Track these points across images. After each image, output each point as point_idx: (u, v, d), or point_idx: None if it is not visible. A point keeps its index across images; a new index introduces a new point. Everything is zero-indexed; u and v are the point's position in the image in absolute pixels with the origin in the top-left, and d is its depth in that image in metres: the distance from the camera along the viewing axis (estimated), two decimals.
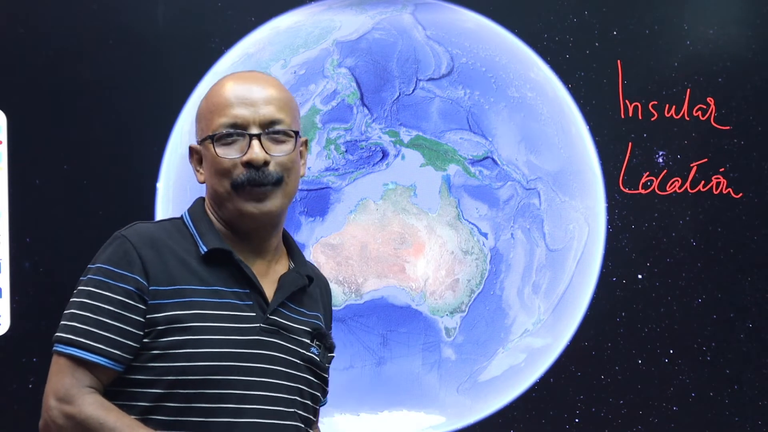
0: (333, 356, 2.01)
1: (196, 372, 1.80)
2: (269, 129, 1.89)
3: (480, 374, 3.61)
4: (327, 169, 3.61)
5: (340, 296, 3.58)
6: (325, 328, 1.99)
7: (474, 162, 3.62)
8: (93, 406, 1.76)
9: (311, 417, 1.93)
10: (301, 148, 1.95)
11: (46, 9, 3.57)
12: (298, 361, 1.89)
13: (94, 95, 3.56)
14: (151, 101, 3.56)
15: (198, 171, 1.94)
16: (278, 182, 1.88)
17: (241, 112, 1.88)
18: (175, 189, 3.56)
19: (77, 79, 3.56)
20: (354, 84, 3.61)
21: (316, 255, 3.57)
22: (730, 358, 3.58)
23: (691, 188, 3.60)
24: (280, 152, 1.89)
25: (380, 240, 3.60)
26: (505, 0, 3.63)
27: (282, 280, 1.93)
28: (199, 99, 1.98)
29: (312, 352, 1.92)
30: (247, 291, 1.87)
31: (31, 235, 3.54)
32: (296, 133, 1.92)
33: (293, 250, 2.00)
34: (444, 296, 3.61)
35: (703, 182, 3.60)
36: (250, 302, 1.87)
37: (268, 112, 1.89)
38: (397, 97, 3.62)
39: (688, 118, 3.60)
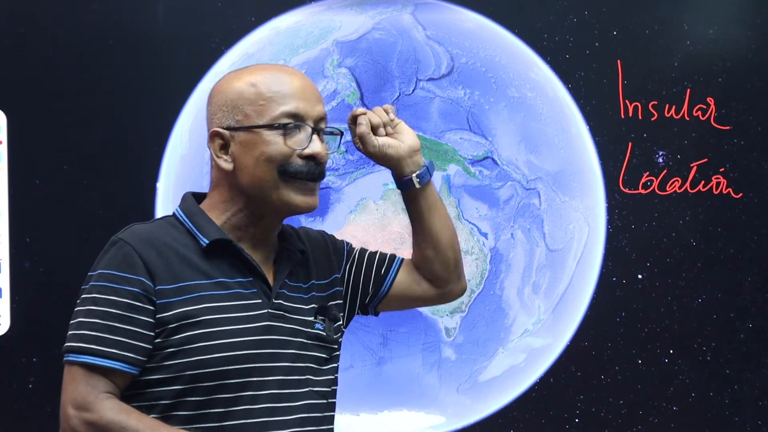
0: (341, 323, 2.00)
1: (215, 364, 1.80)
2: (320, 126, 1.91)
3: (480, 374, 3.61)
4: (327, 169, 3.60)
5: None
6: (326, 293, 1.99)
7: (474, 162, 3.62)
8: (113, 410, 1.75)
9: (330, 388, 1.93)
10: None
11: (47, 9, 3.57)
12: (306, 341, 1.90)
13: (94, 95, 3.56)
14: (151, 101, 3.56)
15: (221, 157, 1.88)
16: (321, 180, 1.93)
17: (302, 105, 1.88)
18: (175, 189, 3.56)
19: (77, 79, 3.56)
20: (354, 84, 3.61)
21: None
22: (730, 358, 3.58)
23: (691, 188, 3.60)
24: (331, 150, 1.93)
25: (380, 240, 3.60)
26: (505, 0, 3.64)
27: (278, 263, 1.93)
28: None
29: (317, 329, 1.93)
30: (250, 279, 1.88)
31: (31, 235, 3.54)
32: (342, 133, 1.95)
33: (282, 229, 1.99)
34: None
35: (703, 182, 3.60)
36: (254, 290, 1.87)
37: (322, 109, 1.91)
38: (397, 97, 3.62)
39: (688, 118, 3.60)
